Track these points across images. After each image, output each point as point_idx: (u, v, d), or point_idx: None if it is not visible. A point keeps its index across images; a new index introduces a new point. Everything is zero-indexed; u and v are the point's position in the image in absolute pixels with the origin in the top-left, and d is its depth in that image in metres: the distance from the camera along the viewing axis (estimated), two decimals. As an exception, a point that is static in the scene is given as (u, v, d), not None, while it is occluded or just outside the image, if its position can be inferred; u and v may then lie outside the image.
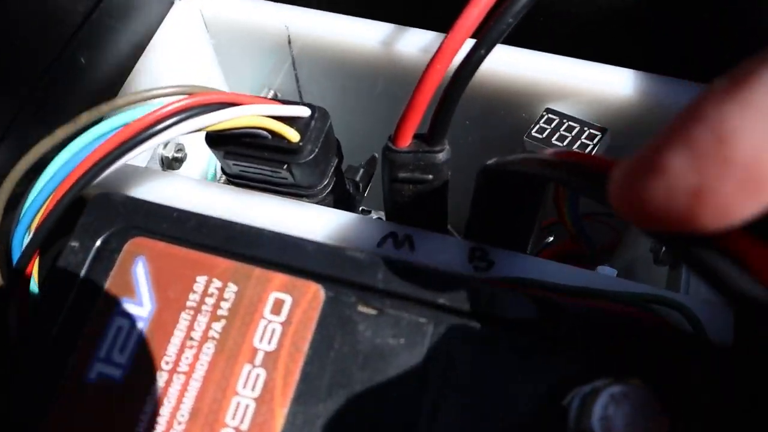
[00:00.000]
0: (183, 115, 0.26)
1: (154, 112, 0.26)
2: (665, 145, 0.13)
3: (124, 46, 0.35)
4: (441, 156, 0.26)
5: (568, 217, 0.38)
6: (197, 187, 0.31)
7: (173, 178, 0.32)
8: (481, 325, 0.22)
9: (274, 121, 0.27)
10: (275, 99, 0.28)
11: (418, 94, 0.24)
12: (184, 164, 0.38)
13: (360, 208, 0.39)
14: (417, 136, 0.26)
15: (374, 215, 0.41)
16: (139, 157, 0.35)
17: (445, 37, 0.23)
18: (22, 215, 0.27)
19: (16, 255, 0.27)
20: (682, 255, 0.15)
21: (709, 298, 0.27)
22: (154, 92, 0.27)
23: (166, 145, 0.37)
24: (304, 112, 0.27)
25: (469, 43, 0.24)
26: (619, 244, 0.40)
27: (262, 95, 0.42)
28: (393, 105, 0.39)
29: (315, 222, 0.29)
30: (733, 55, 0.33)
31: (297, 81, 0.41)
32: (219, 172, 0.41)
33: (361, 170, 0.35)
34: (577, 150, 0.20)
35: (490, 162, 0.25)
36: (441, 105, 0.25)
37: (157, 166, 0.37)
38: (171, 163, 0.37)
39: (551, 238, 0.34)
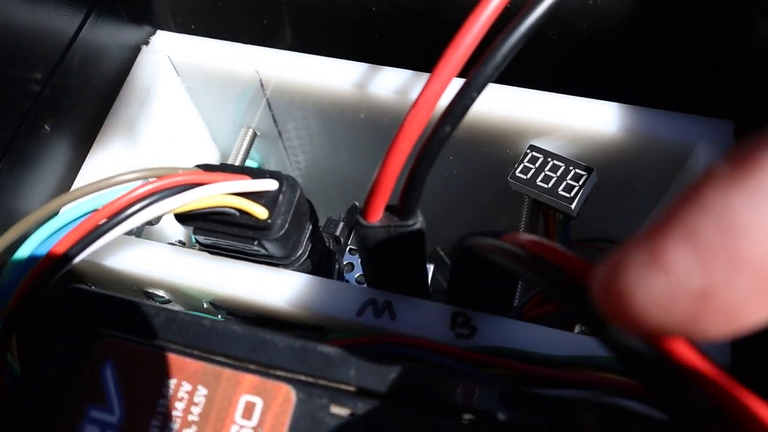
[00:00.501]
0: (147, 201, 0.25)
1: (119, 199, 0.25)
2: (665, 234, 0.11)
3: (91, 105, 0.34)
4: (414, 228, 0.25)
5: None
6: (170, 255, 0.30)
7: (146, 247, 0.31)
8: (468, 427, 0.21)
9: (241, 200, 0.26)
10: (243, 169, 0.27)
11: (383, 173, 0.23)
12: (164, 219, 0.37)
13: (348, 249, 0.38)
14: (389, 208, 0.25)
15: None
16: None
17: (407, 115, 0.22)
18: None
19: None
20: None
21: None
22: (115, 179, 0.26)
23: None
24: (271, 185, 0.26)
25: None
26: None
27: (240, 135, 0.41)
28: (376, 139, 0.38)
29: (291, 291, 0.28)
30: (723, 84, 0.32)
31: (274, 121, 0.40)
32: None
33: (341, 224, 0.34)
34: (555, 246, 0.18)
35: (464, 242, 0.24)
36: (408, 183, 0.24)
37: (136, 222, 0.36)
38: (149, 220, 0.36)
39: (537, 290, 0.33)
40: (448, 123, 0.22)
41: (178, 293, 0.31)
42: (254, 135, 0.41)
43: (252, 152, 0.42)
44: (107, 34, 0.35)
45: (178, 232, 0.40)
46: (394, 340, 0.26)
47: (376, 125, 0.37)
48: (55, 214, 0.28)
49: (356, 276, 0.39)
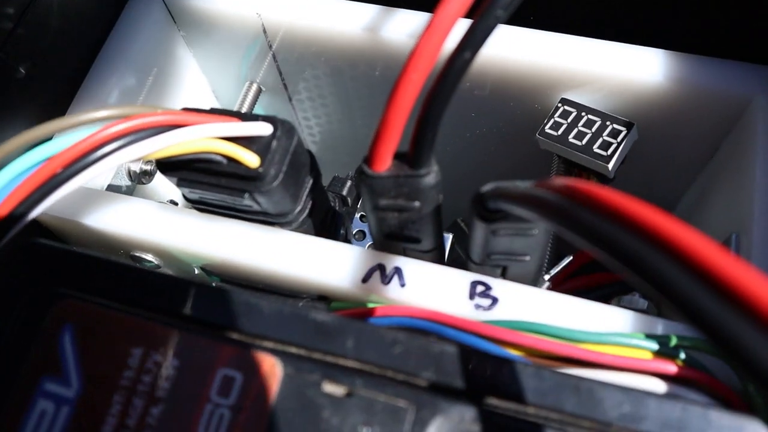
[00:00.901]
0: (119, 143, 0.22)
1: (85, 140, 0.22)
2: None
3: (73, 49, 0.31)
4: (428, 180, 0.21)
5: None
6: (156, 213, 0.27)
7: (130, 204, 0.28)
8: (476, 408, 0.17)
9: (228, 145, 0.23)
10: (232, 113, 0.23)
11: (390, 110, 0.20)
12: (156, 178, 0.33)
13: (359, 215, 0.35)
14: (398, 156, 0.22)
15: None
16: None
17: (418, 40, 0.19)
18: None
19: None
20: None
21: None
22: (88, 116, 0.23)
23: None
24: (263, 129, 0.23)
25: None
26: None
27: (243, 90, 0.37)
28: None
29: (287, 253, 0.25)
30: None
31: (280, 73, 0.36)
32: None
33: (349, 182, 0.31)
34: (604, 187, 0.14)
35: (484, 190, 0.20)
36: (420, 122, 0.20)
37: (125, 180, 0.33)
38: (139, 177, 0.33)
39: (570, 258, 0.29)
40: (468, 48, 0.19)
41: (166, 256, 0.28)
42: (259, 90, 0.37)
43: (258, 112, 0.39)
44: (94, -28, 0.32)
45: (172, 192, 0.37)
46: (404, 312, 0.22)
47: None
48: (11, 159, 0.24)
49: (367, 245, 0.35)
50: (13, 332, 0.20)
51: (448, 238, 0.36)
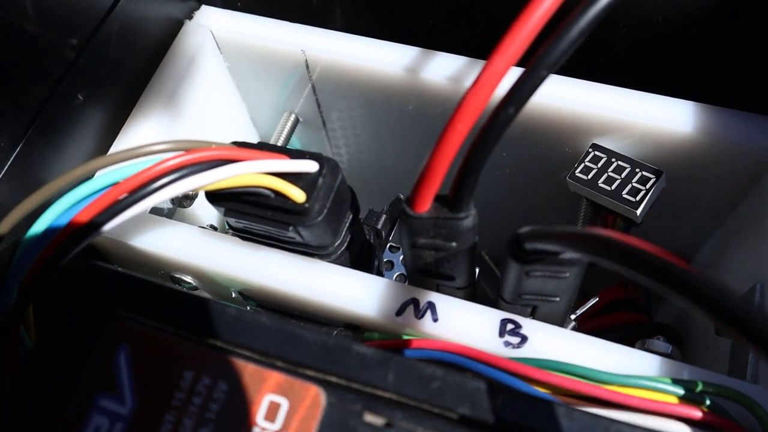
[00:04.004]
0: (176, 175, 0.23)
1: (145, 171, 0.23)
2: None
3: (128, 77, 0.33)
4: (466, 223, 0.23)
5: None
6: (198, 238, 0.28)
7: (175, 228, 0.29)
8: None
9: (278, 180, 0.24)
10: (281, 149, 0.25)
11: (436, 157, 0.21)
12: (197, 202, 0.35)
13: (389, 246, 0.36)
14: (439, 199, 0.23)
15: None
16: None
17: (466, 93, 0.20)
18: (10, 269, 0.25)
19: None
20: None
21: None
22: (149, 149, 0.24)
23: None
24: (311, 167, 0.24)
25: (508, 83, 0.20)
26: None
27: (282, 120, 0.39)
28: (424, 132, 0.36)
29: (325, 284, 0.26)
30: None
31: (318, 106, 0.38)
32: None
33: (384, 216, 0.32)
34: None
35: (522, 231, 0.21)
36: (463, 170, 0.21)
37: (167, 203, 0.34)
38: (181, 202, 0.34)
39: (596, 299, 0.30)
40: (512, 104, 0.20)
41: (206, 279, 0.29)
42: (296, 121, 0.39)
43: (293, 140, 0.40)
44: (149, 6, 0.33)
45: (211, 216, 0.38)
46: (436, 346, 0.24)
47: (425, 117, 0.35)
48: (78, 185, 0.26)
49: (395, 275, 0.37)
50: (72, 349, 0.21)
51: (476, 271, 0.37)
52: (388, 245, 0.37)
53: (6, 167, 0.27)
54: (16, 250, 0.25)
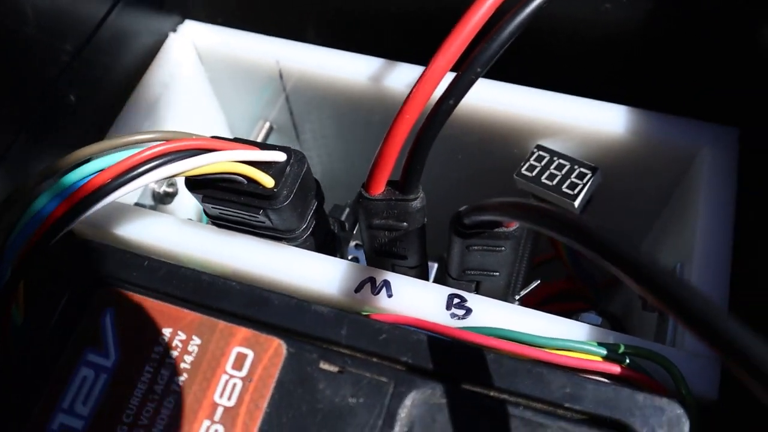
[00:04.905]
0: (158, 161, 0.26)
1: (130, 158, 0.26)
2: None
3: (116, 82, 0.36)
4: (415, 204, 0.26)
5: (565, 254, 0.38)
6: (178, 227, 0.31)
7: (156, 218, 0.32)
8: (445, 386, 0.21)
9: (249, 167, 0.27)
10: (253, 143, 0.28)
11: (387, 143, 0.24)
12: (176, 199, 0.38)
13: (354, 243, 0.39)
14: (391, 183, 0.26)
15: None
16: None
17: (414, 87, 0.23)
18: (5, 250, 0.28)
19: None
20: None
21: (696, 351, 0.26)
22: (134, 138, 0.27)
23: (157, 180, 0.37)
24: (279, 157, 0.27)
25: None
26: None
27: (257, 128, 0.42)
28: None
29: (291, 266, 0.29)
30: (727, 89, 0.32)
31: (291, 114, 0.41)
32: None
33: (347, 210, 0.35)
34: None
35: (461, 210, 0.24)
36: (411, 154, 0.24)
37: (149, 200, 0.37)
38: (162, 198, 0.37)
39: (538, 282, 0.33)
40: (452, 96, 0.23)
41: (185, 263, 0.32)
42: (270, 128, 0.42)
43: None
44: (138, 19, 0.36)
45: (190, 212, 0.41)
46: (390, 319, 0.26)
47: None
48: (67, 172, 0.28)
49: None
50: (64, 312, 0.24)
51: (434, 266, 0.40)
52: (354, 243, 0.40)
53: (3, 160, 0.30)
54: (10, 234, 0.28)
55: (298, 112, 0.41)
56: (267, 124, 0.42)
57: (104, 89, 0.35)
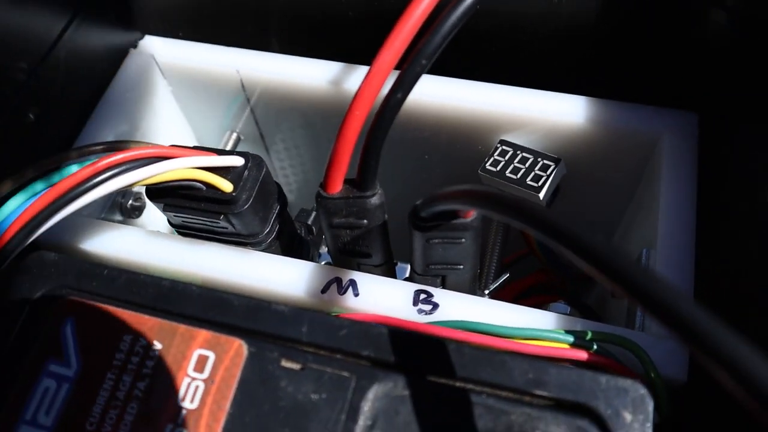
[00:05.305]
0: (113, 172, 0.26)
1: (86, 167, 0.26)
2: None
3: (77, 99, 0.36)
4: (373, 201, 0.26)
5: (537, 247, 0.38)
6: (143, 239, 0.31)
7: (121, 231, 0.32)
8: (407, 378, 0.21)
9: (207, 173, 0.27)
10: (211, 149, 0.28)
11: (340, 142, 0.24)
12: (145, 213, 0.38)
13: (320, 249, 0.39)
14: (348, 182, 0.26)
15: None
16: (98, 205, 0.35)
17: (361, 83, 0.23)
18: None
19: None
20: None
21: (664, 334, 0.26)
22: (86, 149, 0.27)
23: (124, 194, 0.37)
24: (237, 161, 0.27)
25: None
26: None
27: (224, 139, 0.42)
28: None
29: (256, 270, 0.29)
30: (685, 77, 0.32)
31: (257, 123, 0.41)
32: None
33: (314, 213, 0.35)
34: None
35: (417, 203, 0.24)
36: (365, 151, 0.24)
37: (118, 215, 0.37)
38: (130, 212, 0.37)
39: (506, 275, 0.33)
40: (400, 89, 0.23)
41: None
42: (238, 139, 0.42)
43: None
44: (96, 36, 0.36)
45: (160, 225, 0.41)
46: (358, 317, 0.26)
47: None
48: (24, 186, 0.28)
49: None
50: (24, 325, 0.24)
51: (406, 268, 0.40)
52: (326, 249, 0.39)
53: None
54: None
55: (265, 121, 0.41)
56: (234, 135, 0.42)
57: (65, 107, 0.35)
